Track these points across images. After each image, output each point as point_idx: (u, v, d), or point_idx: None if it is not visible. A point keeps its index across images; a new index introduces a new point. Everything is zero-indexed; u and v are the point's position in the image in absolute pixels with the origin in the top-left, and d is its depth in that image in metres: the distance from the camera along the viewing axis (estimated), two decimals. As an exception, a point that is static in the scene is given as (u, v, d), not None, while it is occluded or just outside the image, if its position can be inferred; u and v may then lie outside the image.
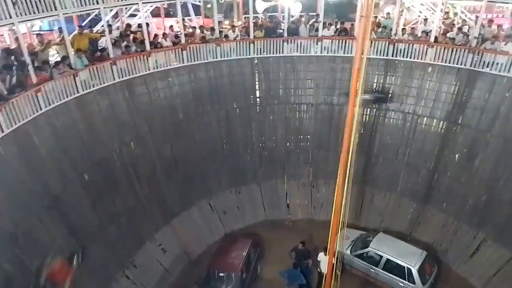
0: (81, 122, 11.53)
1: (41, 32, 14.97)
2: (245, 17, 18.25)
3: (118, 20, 16.36)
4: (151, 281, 12.92)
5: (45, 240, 9.90)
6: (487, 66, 13.08)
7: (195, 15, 18.53)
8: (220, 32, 14.89)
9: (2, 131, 9.13)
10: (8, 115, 9.31)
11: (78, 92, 11.38)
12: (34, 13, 10.07)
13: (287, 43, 15.26)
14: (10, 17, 9.41)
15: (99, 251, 11.57)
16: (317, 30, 15.35)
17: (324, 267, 11.11)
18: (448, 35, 14.34)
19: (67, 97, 11.07)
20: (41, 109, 10.28)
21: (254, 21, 15.58)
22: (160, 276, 13.23)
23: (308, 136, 16.64)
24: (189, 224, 14.93)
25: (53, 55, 12.62)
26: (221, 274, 12.30)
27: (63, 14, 10.84)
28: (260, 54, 15.28)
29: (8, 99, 9.36)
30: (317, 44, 15.27)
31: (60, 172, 10.74)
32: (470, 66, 13.37)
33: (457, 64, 13.59)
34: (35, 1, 9.96)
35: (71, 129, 11.22)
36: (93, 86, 11.83)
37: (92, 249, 11.35)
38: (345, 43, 14.99)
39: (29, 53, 10.30)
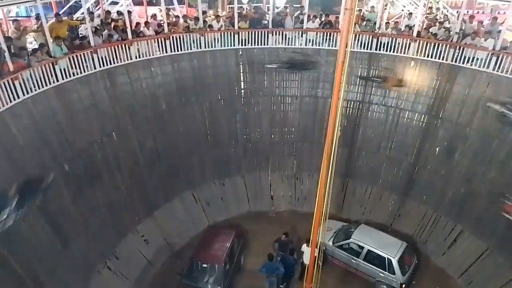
0: (60, 112, 11.22)
1: (18, 18, 14.45)
2: (229, 7, 18.08)
3: (99, 8, 15.95)
4: (134, 272, 12.83)
5: (24, 232, 9.68)
6: (468, 61, 13.31)
7: (179, 4, 18.25)
8: (204, 22, 14.69)
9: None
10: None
11: (57, 81, 11.05)
12: (11, -3, 9.71)
13: (272, 35, 15.18)
14: (-15, 2, 9.05)
15: (81, 242, 11.42)
16: (302, 22, 15.30)
17: (307, 259, 11.23)
18: (431, 30, 14.53)
19: (46, 85, 10.73)
20: (18, 97, 9.95)
21: (238, 11, 15.41)
22: (142, 267, 13.15)
23: (293, 129, 16.69)
24: (172, 216, 14.85)
25: (31, 43, 12.23)
26: (204, 265, 12.29)
27: (41, 0, 10.48)
28: (245, 45, 15.16)
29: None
30: (302, 36, 15.24)
31: (39, 163, 10.46)
32: (452, 61, 13.58)
33: (438, 58, 13.78)
34: (12, -14, 9.61)
35: (51, 118, 10.92)
36: (73, 75, 11.50)
37: (73, 240, 11.20)
38: (330, 36, 15.01)
39: (4, 39, 9.93)
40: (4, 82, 9.54)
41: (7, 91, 9.63)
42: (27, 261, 9.59)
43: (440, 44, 13.67)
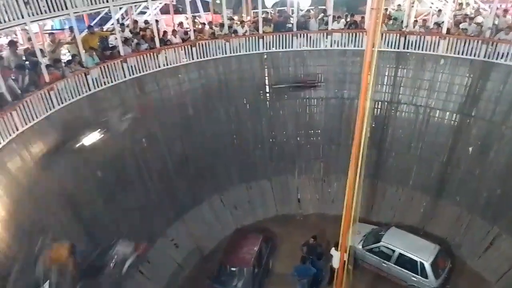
0: (93, 120, 11.65)
1: (53, 31, 15.14)
2: (254, 12, 18.18)
3: (128, 18, 16.46)
4: (165, 276, 13.06)
5: (60, 237, 10.05)
6: (502, 57, 12.82)
7: (204, 11, 18.55)
8: (229, 27, 14.88)
9: (17, 129, 9.29)
10: (23, 114, 9.47)
11: (89, 90, 11.51)
12: (46, 12, 10.22)
13: (297, 38, 15.17)
14: (23, 17, 9.56)
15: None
16: (326, 23, 15.21)
17: (336, 263, 11.10)
18: (461, 26, 14.08)
19: (79, 95, 11.20)
20: (54, 107, 10.43)
21: (263, 16, 15.51)
22: (173, 271, 13.37)
23: (319, 131, 16.57)
24: (201, 219, 15.03)
25: (65, 54, 12.78)
26: (233, 269, 12.37)
27: (74, 13, 10.97)
28: (270, 49, 15.23)
29: (22, 98, 9.53)
30: (327, 37, 15.16)
31: (73, 170, 10.88)
32: (484, 57, 13.12)
33: (470, 55, 13.36)
34: (46, 1, 10.09)
35: (84, 127, 11.34)
36: (104, 84, 11.95)
37: (106, 245, 11.51)
38: (356, 36, 14.84)
39: (41, 52, 10.44)
40: (41, 93, 10.02)
41: (43, 101, 10.11)
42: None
43: (472, 40, 13.23)
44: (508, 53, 12.67)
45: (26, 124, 9.59)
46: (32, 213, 9.33)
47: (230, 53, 14.80)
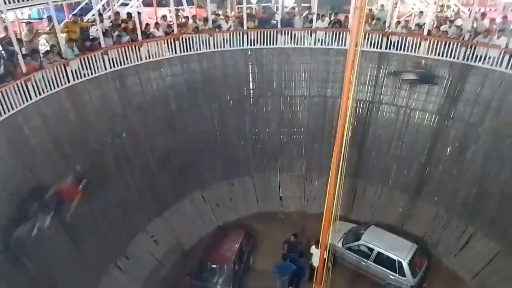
0: (72, 112, 11.36)
1: (30, 21, 14.64)
2: (238, 8, 18.07)
3: (110, 9, 16.09)
4: (143, 272, 12.90)
5: (38, 233, 9.78)
6: (480, 60, 13.10)
7: (188, 5, 18.32)
8: (213, 22, 14.73)
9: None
10: (-3, 104, 9.14)
11: (69, 82, 11.19)
12: (23, 0, 9.84)
13: (281, 34, 15.15)
14: (-2, 4, 9.19)
15: (92, 242, 11.51)
16: (311, 21, 15.24)
17: (315, 260, 11.18)
18: (442, 28, 14.34)
19: (58, 86, 10.87)
20: (31, 99, 10.10)
21: (247, 11, 15.41)
22: (152, 267, 13.21)
23: (302, 129, 16.63)
24: (182, 216, 14.90)
25: (43, 44, 12.39)
26: (214, 266, 12.32)
27: (53, 2, 10.63)
28: (254, 45, 15.16)
29: (-4, 88, 9.19)
30: (311, 35, 15.18)
31: (51, 163, 10.58)
32: (463, 60, 13.39)
33: (450, 57, 13.61)
34: (24, -12, 9.74)
35: (62, 119, 11.05)
36: (84, 76, 11.64)
37: (85, 240, 11.30)
38: (339, 35, 14.92)
39: (17, 41, 10.07)
40: (17, 84, 9.68)
41: (20, 92, 9.77)
42: (40, 260, 9.70)
43: (451, 43, 13.49)
44: (485, 56, 12.97)
45: (1, 115, 9.24)
46: (3, 205, 9.04)
47: (214, 48, 14.66)
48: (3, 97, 9.30)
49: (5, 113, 9.35)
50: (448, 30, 14.12)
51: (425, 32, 14.02)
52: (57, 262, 10.24)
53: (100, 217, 12.03)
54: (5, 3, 9.32)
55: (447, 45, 13.56)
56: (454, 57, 13.54)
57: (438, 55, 13.79)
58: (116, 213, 12.65)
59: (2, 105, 9.27)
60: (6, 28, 10.58)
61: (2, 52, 10.35)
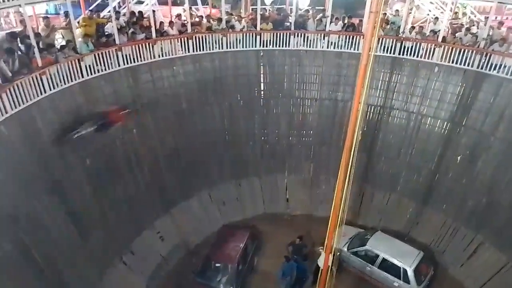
0: (84, 107, 11.50)
1: (47, 16, 14.88)
2: (252, 9, 18.11)
3: (125, 6, 16.27)
4: (149, 268, 13.00)
5: (46, 223, 9.96)
6: (495, 69, 12.96)
7: (202, 5, 18.42)
8: (227, 22, 14.80)
9: (6, 112, 9.13)
10: (13, 97, 9.29)
11: (83, 77, 11.35)
12: (41, -5, 10.02)
13: (294, 37, 15.15)
14: (17, -1, 9.37)
15: (99, 235, 11.67)
16: (324, 24, 15.21)
17: (322, 262, 11.13)
18: (457, 35, 14.21)
19: (72, 81, 11.04)
20: (45, 92, 10.26)
21: (261, 13, 15.45)
22: (157, 264, 13.31)
23: (311, 131, 16.60)
24: (188, 214, 14.98)
25: (58, 39, 12.57)
26: (218, 265, 12.38)
27: (70, -3, 10.80)
28: (266, 46, 15.17)
29: (12, 80, 9.35)
30: (324, 38, 15.16)
31: (62, 156, 10.74)
32: (477, 68, 13.25)
33: (464, 65, 13.47)
34: (43, -16, 9.90)
35: (75, 114, 11.19)
36: (98, 72, 11.79)
37: (92, 233, 11.45)
38: (353, 39, 14.86)
39: (34, 35, 10.25)
40: (32, 77, 9.85)
41: (35, 85, 9.94)
42: (47, 250, 9.85)
43: (466, 50, 13.36)
44: (501, 65, 12.82)
45: (16, 107, 9.41)
46: (16, 196, 9.20)
47: (227, 48, 14.72)
48: (19, 89, 9.46)
49: (19, 105, 9.51)
50: (463, 37, 13.99)
51: (440, 39, 13.90)
52: (64, 253, 10.39)
53: (107, 211, 12.18)
54: (23, -3, 9.50)
55: (461, 52, 13.43)
56: (468, 65, 13.40)
57: (452, 62, 13.67)
58: (123, 208, 12.78)
59: (17, 97, 9.42)
60: (23, 22, 10.74)
61: (19, 45, 10.52)
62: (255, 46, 15.07)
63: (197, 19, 15.20)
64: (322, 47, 15.26)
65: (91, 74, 11.59)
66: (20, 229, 9.14)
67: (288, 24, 15.52)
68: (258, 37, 14.95)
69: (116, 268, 12.20)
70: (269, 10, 17.40)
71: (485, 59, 13.06)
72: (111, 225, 12.26)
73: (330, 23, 15.11)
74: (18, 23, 13.40)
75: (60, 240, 10.37)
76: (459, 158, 14.27)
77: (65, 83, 10.84)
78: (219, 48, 14.59)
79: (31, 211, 9.52)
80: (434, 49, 13.90)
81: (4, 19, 16.40)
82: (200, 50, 14.25)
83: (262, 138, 16.60)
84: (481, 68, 13.18)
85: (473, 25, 15.14)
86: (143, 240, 13.36)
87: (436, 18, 15.84)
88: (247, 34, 14.86)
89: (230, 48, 14.77)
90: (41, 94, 10.15)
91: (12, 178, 9.17)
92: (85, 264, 11.11)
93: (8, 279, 8.49)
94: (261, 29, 14.98)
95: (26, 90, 9.65)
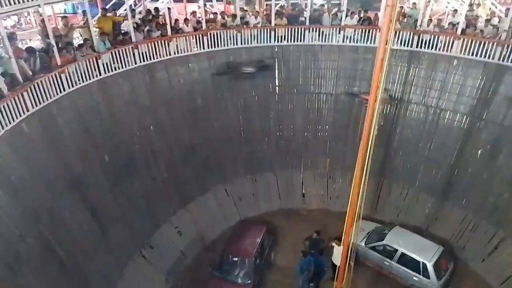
0: (102, 105, 11.72)
1: (66, 15, 15.19)
2: (266, 4, 18.05)
3: (141, 4, 16.42)
4: (167, 262, 13.19)
5: (67, 218, 10.22)
6: (516, 60, 12.61)
7: (217, 1, 18.45)
8: (242, 18, 14.79)
9: (28, 110, 9.37)
10: (33, 95, 9.53)
11: (100, 75, 11.54)
12: (60, -5, 10.21)
13: (309, 32, 15.05)
14: (37, -1, 9.58)
15: (118, 230, 11.90)
16: (340, 19, 15.06)
17: (337, 259, 11.09)
18: (478, 27, 13.85)
19: (90, 79, 11.24)
20: (64, 90, 10.48)
21: (276, 8, 15.37)
22: (175, 258, 13.49)
23: (327, 126, 16.50)
24: (205, 209, 15.12)
25: (76, 38, 12.81)
26: (235, 259, 12.46)
27: (87, -4, 10.97)
28: (281, 42, 15.11)
29: (33, 79, 9.59)
30: (339, 33, 15.00)
31: (81, 153, 10.97)
32: (498, 60, 12.90)
33: (484, 57, 13.14)
34: (61, -17, 10.09)
35: (93, 111, 11.42)
36: (115, 69, 11.96)
37: (111, 228, 11.68)
38: (369, 32, 14.67)
39: (54, 35, 10.47)
40: (52, 75, 10.07)
41: (54, 84, 10.17)
42: (68, 245, 10.08)
43: (487, 42, 13.02)
44: (523, 57, 12.47)
45: (37, 105, 9.65)
46: (38, 192, 9.45)
47: (241, 44, 14.72)
48: (39, 87, 9.69)
49: (40, 103, 9.75)
50: (484, 29, 13.63)
51: (459, 31, 13.59)
52: (84, 248, 10.63)
53: (126, 206, 12.40)
54: (42, -3, 9.70)
55: (481, 44, 13.10)
56: (489, 57, 13.05)
57: (472, 54, 13.35)
58: (141, 203, 12.99)
59: (38, 95, 9.66)
60: (42, 21, 10.97)
61: (41, 44, 10.76)
62: (270, 42, 15.03)
63: (211, 16, 15.25)
64: (338, 41, 15.12)
65: (109, 71, 11.77)
66: (43, 225, 9.39)
67: (303, 19, 15.42)
68: (272, 32, 14.90)
69: (135, 262, 12.43)
70: (284, 5, 17.32)
71: (507, 51, 12.69)
72: (129, 220, 12.48)
73: (346, 17, 14.94)
74: (37, 23, 13.68)
75: (81, 235, 10.60)
76: (479, 152, 13.96)
77: (83, 81, 11.04)
78: (233, 44, 14.60)
79: (52, 207, 9.76)
80: (453, 41, 13.60)
81: (24, 19, 16.82)
82: (214, 47, 14.29)
83: (278, 133, 16.59)
84: (502, 60, 12.81)
85: (494, 16, 14.74)
86: (162, 235, 13.56)
87: (455, 10, 15.49)
88: (262, 30, 14.83)
89: (244, 44, 14.77)
90: (61, 92, 10.37)
91: (33, 174, 9.40)
92: (105, 258, 11.35)
93: (31, 273, 8.73)
94: (275, 24, 14.93)
95: (46, 88, 9.88)
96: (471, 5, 16.52)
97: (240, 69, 14.49)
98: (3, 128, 8.70)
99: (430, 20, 14.64)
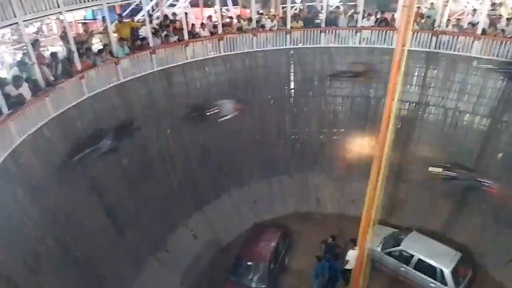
0: (121, 109, 11.94)
1: (85, 21, 15.57)
2: (282, 7, 18.09)
3: (158, 10, 16.71)
4: (182, 265, 13.27)
5: (84, 220, 10.43)
6: (540, 61, 12.27)
7: (233, 5, 18.59)
8: (257, 22, 14.86)
9: (49, 115, 9.65)
10: (55, 100, 9.81)
11: (119, 80, 11.79)
12: (80, 2, 10.51)
13: (325, 34, 15.01)
14: (58, 6, 9.86)
15: (134, 232, 12.07)
16: (356, 20, 14.96)
17: (350, 264, 11.01)
18: (498, 26, 13.54)
19: (109, 84, 11.49)
20: (84, 95, 10.75)
21: (291, 11, 15.39)
22: (191, 261, 13.56)
23: (342, 130, 16.38)
24: (220, 212, 15.18)
25: (95, 43, 13.11)
26: (250, 263, 12.47)
27: (107, 3, 11.25)
28: (297, 44, 15.13)
29: (55, 84, 9.87)
30: (355, 34, 14.91)
31: (100, 157, 11.16)
32: (521, 61, 12.59)
33: (505, 58, 12.82)
34: (81, -9, 10.36)
35: (111, 115, 11.64)
36: (133, 74, 12.20)
37: (127, 230, 11.86)
38: (385, 34, 14.53)
39: (75, 42, 10.76)
40: (72, 81, 10.34)
41: (75, 89, 10.44)
42: (85, 247, 10.28)
43: (508, 42, 12.70)
44: (546, 57, 12.12)
45: (58, 110, 9.92)
46: (59, 194, 9.69)
47: (257, 47, 14.81)
48: (60, 92, 9.96)
49: (61, 108, 10.02)
50: (505, 28, 13.31)
51: (479, 31, 13.30)
52: (101, 249, 10.83)
53: (142, 209, 12.57)
54: (64, 4, 9.99)
55: (503, 44, 12.78)
56: (511, 58, 12.72)
57: (493, 55, 13.05)
58: (157, 206, 13.14)
59: (60, 100, 9.93)
60: (64, 28, 11.29)
61: (62, 50, 11.07)
62: (285, 45, 15.07)
63: (227, 20, 15.38)
64: (354, 43, 15.03)
65: (127, 77, 12.00)
66: (61, 226, 9.62)
67: (318, 21, 15.38)
68: (288, 35, 14.92)
69: (151, 264, 12.57)
70: (300, 8, 17.32)
71: (530, 51, 12.39)
72: (145, 222, 12.64)
73: (363, 18, 14.83)
74: (59, 29, 14.07)
75: (97, 236, 10.82)
76: (500, 156, 13.60)
77: (102, 86, 11.29)
78: (249, 48, 14.71)
79: (71, 209, 9.99)
80: (473, 42, 13.33)
81: (46, 26, 17.32)
82: (231, 51, 14.41)
83: (293, 136, 16.57)
84: (525, 61, 12.51)
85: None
86: (177, 237, 13.68)
87: (475, 10, 15.19)
88: (277, 33, 14.86)
89: (260, 47, 14.85)
90: (81, 97, 10.63)
91: (53, 177, 9.65)
92: (121, 260, 11.52)
93: (50, 273, 8.96)
94: (291, 27, 14.94)
95: (66, 93, 10.15)
96: (493, 4, 16.17)
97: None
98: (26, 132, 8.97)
99: (449, 20, 14.40)
